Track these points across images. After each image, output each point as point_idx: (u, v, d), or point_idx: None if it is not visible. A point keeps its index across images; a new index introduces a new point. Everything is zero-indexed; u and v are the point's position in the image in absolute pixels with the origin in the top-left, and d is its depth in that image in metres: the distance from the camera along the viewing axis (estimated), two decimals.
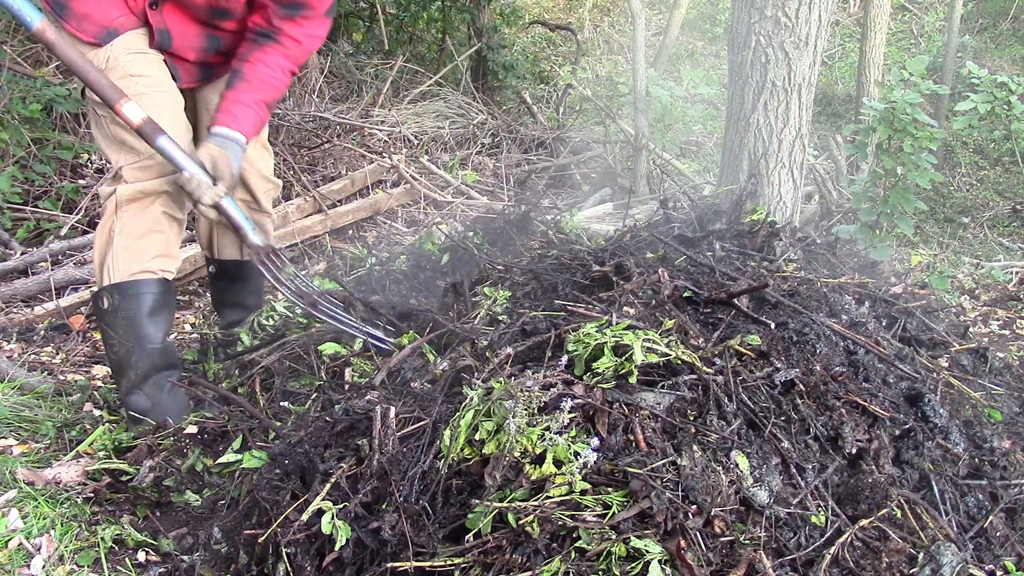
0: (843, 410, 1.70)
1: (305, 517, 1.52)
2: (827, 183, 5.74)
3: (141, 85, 2.12)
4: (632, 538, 1.32)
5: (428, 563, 1.40)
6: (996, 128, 6.04)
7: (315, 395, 2.06)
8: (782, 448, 1.59)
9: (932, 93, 4.68)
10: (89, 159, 4.44)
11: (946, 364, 2.20)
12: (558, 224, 3.18)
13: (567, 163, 6.64)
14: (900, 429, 1.75)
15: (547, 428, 1.46)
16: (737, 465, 1.49)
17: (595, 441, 1.47)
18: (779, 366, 1.75)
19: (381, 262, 3.16)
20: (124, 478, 1.96)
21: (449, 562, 1.39)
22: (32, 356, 2.90)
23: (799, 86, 3.40)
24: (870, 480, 1.58)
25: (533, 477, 1.42)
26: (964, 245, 6.36)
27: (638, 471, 1.42)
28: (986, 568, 1.56)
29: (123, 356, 2.16)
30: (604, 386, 1.58)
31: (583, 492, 1.40)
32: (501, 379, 1.62)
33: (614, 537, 1.33)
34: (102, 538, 1.73)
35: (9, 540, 1.68)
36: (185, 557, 1.70)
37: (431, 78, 7.14)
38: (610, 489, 1.43)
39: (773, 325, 1.89)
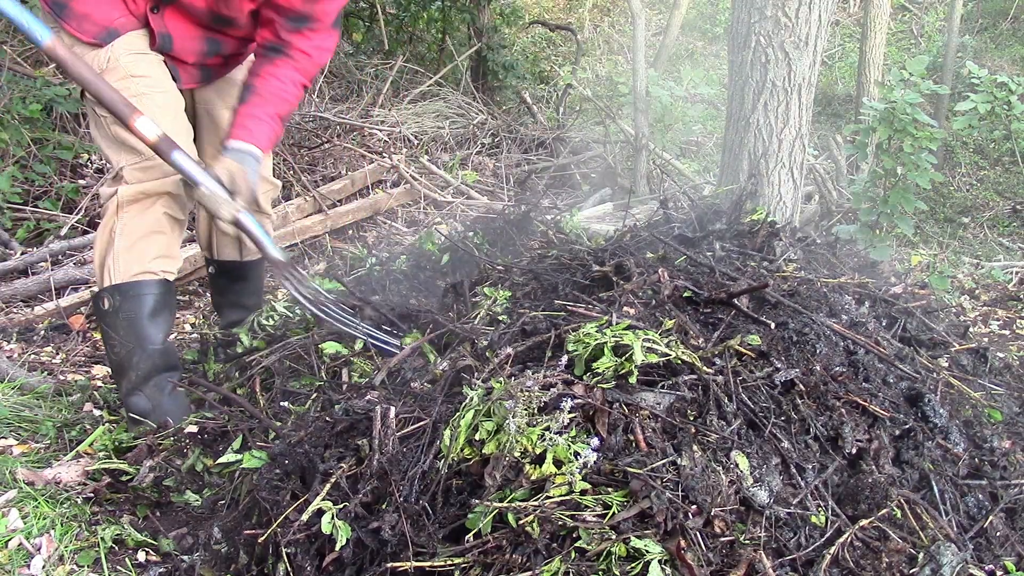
0: (843, 410, 1.70)
1: (305, 517, 1.52)
2: (827, 183, 5.75)
3: (142, 85, 2.12)
4: (632, 538, 1.32)
5: (428, 563, 1.40)
6: (996, 128, 6.04)
7: (315, 395, 2.06)
8: (782, 448, 1.59)
9: (932, 93, 4.68)
10: (89, 159, 4.44)
11: (946, 364, 2.20)
12: (558, 224, 3.18)
13: (567, 163, 6.64)
14: (900, 429, 1.75)
15: (547, 428, 1.46)
16: (737, 465, 1.49)
17: (595, 441, 1.47)
18: (779, 366, 1.75)
19: (381, 262, 3.16)
20: (124, 478, 1.96)
21: (449, 562, 1.39)
22: (32, 356, 2.90)
23: (799, 86, 3.40)
24: (870, 480, 1.58)
25: (533, 477, 1.42)
26: (964, 245, 6.36)
27: (638, 471, 1.42)
28: (986, 568, 1.56)
29: (124, 357, 2.16)
30: (604, 386, 1.58)
31: (583, 492, 1.40)
32: (501, 379, 1.62)
33: (614, 537, 1.33)
34: (102, 538, 1.73)
35: (9, 540, 1.68)
36: (185, 557, 1.70)
37: (431, 78, 7.14)
38: (610, 489, 1.42)
39: (773, 325, 1.89)
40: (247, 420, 2.04)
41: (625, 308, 1.91)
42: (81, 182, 4.31)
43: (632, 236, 2.59)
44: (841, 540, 1.44)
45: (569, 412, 1.49)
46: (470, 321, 2.12)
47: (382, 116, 6.29)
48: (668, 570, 1.30)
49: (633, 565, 1.30)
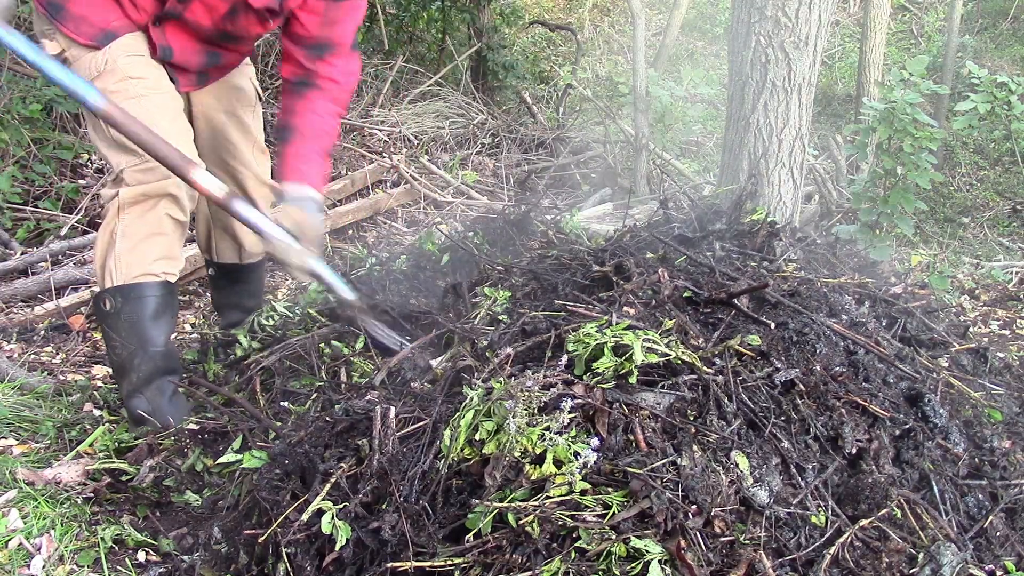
0: (843, 410, 1.70)
1: (305, 517, 1.52)
2: (827, 183, 5.75)
3: (140, 87, 2.11)
4: (632, 538, 1.32)
5: (428, 563, 1.40)
6: (996, 128, 6.03)
7: (315, 395, 2.06)
8: (782, 448, 1.59)
9: (932, 93, 4.68)
10: (89, 159, 4.44)
11: (946, 364, 2.20)
12: (558, 224, 3.18)
13: (567, 163, 6.64)
14: (900, 429, 1.75)
15: (547, 428, 1.46)
16: (737, 465, 1.49)
17: (595, 441, 1.47)
18: (779, 366, 1.75)
19: (381, 262, 3.16)
20: (124, 478, 1.96)
21: (449, 562, 1.39)
22: (32, 356, 2.90)
23: (799, 86, 3.40)
24: (870, 480, 1.58)
25: (533, 477, 1.42)
26: (964, 245, 6.36)
27: (638, 471, 1.42)
28: (986, 568, 1.56)
29: (125, 359, 2.16)
30: (604, 386, 1.58)
31: (583, 492, 1.40)
32: (501, 379, 1.62)
33: (614, 537, 1.33)
34: (102, 538, 1.73)
35: (9, 540, 1.68)
36: (185, 557, 1.70)
37: (431, 78, 7.14)
38: (610, 489, 1.42)
39: (773, 325, 1.89)
40: (247, 420, 2.04)
41: (625, 308, 1.91)
42: (81, 182, 4.31)
43: (632, 236, 2.59)
44: (841, 540, 1.44)
45: (569, 412, 1.49)
46: (470, 321, 2.12)
47: (382, 116, 6.30)
48: (668, 570, 1.30)
49: (633, 565, 1.30)
